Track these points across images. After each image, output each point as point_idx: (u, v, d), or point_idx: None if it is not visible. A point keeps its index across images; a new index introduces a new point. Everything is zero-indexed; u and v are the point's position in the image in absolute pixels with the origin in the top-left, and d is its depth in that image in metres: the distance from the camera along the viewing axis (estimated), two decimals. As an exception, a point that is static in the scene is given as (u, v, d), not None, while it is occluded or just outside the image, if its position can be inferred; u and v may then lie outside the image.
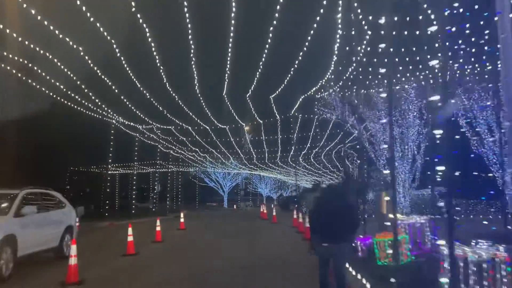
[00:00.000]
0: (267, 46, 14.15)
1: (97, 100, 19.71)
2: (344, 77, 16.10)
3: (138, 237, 14.93)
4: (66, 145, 38.89)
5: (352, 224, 6.52)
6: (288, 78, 18.62)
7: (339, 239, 6.25)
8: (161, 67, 15.56)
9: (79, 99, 19.29)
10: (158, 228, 14.19)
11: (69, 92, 18.25)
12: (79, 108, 20.93)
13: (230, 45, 13.80)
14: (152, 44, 13.60)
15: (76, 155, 43.26)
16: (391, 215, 10.31)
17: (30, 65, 14.87)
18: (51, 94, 18.20)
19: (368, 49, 12.87)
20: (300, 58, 14.87)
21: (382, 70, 13.40)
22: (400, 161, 19.83)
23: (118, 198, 46.53)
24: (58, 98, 18.83)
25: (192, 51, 13.99)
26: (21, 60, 14.48)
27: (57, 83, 16.87)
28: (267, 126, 25.89)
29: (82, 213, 36.36)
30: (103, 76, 16.46)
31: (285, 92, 20.62)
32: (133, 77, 16.28)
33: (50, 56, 14.34)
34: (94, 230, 20.48)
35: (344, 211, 6.40)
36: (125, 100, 19.75)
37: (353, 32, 12.44)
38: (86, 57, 14.34)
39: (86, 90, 17.99)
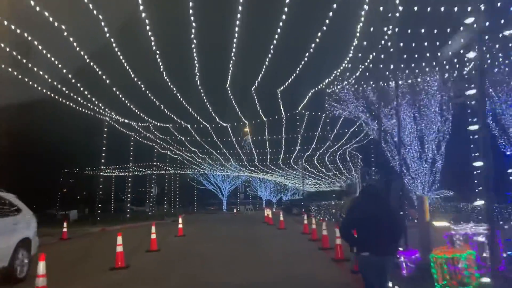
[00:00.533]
0: (276, 35, 12.57)
1: (90, 95, 18.01)
2: (364, 64, 14.40)
3: (131, 245, 13.20)
4: (62, 146, 37.32)
5: (397, 232, 5.02)
6: (297, 70, 17.02)
7: (385, 251, 4.80)
8: (159, 57, 13.92)
9: (71, 94, 17.56)
10: (153, 236, 12.40)
11: (59, 86, 16.55)
12: (72, 104, 19.20)
13: (236, 32, 12.19)
14: (148, 28, 11.95)
15: (72, 157, 41.63)
16: (439, 223, 8.60)
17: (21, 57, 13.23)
18: (44, 90, 16.53)
19: (396, 30, 11.19)
20: (314, 45, 13.25)
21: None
22: (418, 161, 18.16)
23: (114, 201, 44.76)
24: (50, 93, 17.12)
25: (193, 37, 12.33)
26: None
27: (47, 76, 15.19)
28: (272, 124, 24.17)
29: (75, 217, 34.65)
30: (95, 67, 14.78)
31: (293, 86, 18.95)
32: (127, 67, 14.57)
33: (44, 51, 12.81)
34: (84, 236, 18.69)
35: (388, 216, 4.87)
36: (120, 95, 18.07)
37: (381, 8, 10.78)
38: (78, 48, 12.78)
39: (78, 84, 16.35)
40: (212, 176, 56.57)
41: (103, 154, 22.06)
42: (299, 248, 12.51)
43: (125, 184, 53.72)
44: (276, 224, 20.21)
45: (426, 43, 12.79)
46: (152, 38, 12.37)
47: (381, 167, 21.08)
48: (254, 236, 15.97)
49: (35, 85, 16.15)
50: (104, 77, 15.61)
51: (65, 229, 17.06)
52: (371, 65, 15.39)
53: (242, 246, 12.90)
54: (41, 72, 14.79)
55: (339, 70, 16.63)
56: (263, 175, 54.10)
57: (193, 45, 12.72)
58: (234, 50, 13.41)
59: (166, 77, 16.29)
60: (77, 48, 12.85)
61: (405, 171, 18.20)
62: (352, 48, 13.18)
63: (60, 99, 18.41)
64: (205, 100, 19.05)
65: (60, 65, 14.35)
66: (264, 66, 15.52)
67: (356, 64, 15.21)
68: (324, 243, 12.01)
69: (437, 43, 12.79)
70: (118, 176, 46.11)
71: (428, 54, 14.46)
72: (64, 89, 16.99)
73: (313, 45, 13.15)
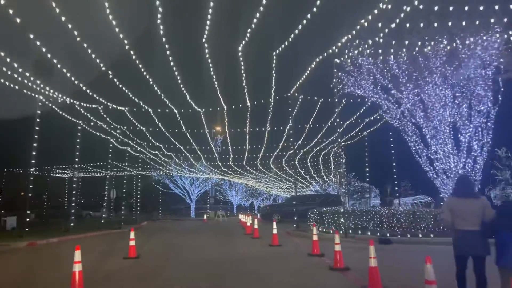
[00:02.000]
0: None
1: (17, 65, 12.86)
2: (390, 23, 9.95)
3: (44, 277, 8.15)
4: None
5: None
6: (298, 30, 12.56)
7: None
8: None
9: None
10: (76, 268, 6.91)
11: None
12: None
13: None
14: None
15: (16, 153, 35.42)
16: None
17: None
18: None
19: None
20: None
21: None
22: (452, 154, 13.84)
23: (67, 207, 38.76)
24: None
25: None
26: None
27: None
28: (256, 110, 19.42)
29: (14, 225, 28.45)
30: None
31: (290, 53, 14.38)
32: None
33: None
34: (-2, 255, 13.24)
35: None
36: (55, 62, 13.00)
37: None
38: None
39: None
40: (179, 178, 51.15)
41: (35, 145, 16.59)
42: None
43: (72, 186, 47.81)
44: (264, 238, 15.46)
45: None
46: None
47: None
48: (243, 259, 11.12)
49: None
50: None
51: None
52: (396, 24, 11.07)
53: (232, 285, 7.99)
54: None
55: (354, 32, 12.16)
56: (237, 178, 49.23)
57: None
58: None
59: (119, 34, 11.46)
60: None
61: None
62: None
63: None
64: (174, 69, 14.15)
65: None
66: (254, 23, 11.05)
67: (377, 23, 10.87)
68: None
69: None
70: (71, 177, 40.13)
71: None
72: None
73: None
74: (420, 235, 13.33)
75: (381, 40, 12.25)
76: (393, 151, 23.24)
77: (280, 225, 23.26)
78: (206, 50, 13.20)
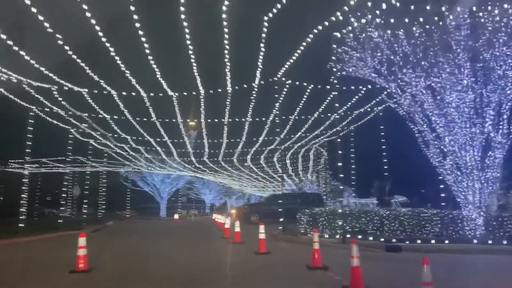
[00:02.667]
0: None
1: None
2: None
3: None
4: None
5: None
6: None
7: None
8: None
9: None
10: None
11: None
12: None
13: None
14: None
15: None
16: None
17: None
18: None
19: None
20: None
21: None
22: (467, 146, 11.90)
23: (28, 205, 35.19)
24: None
25: None
26: None
27: None
28: (237, 96, 17.06)
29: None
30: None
31: (281, 27, 12.23)
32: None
33: None
34: None
35: None
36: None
37: None
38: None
39: None
40: (149, 175, 48.15)
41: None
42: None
43: (38, 183, 44.14)
44: (247, 243, 13.12)
45: None
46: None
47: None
48: (224, 274, 8.72)
49: None
50: None
51: None
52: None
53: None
54: None
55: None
56: (211, 175, 46.68)
57: None
58: None
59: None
60: None
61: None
62: None
63: None
64: (141, 39, 11.68)
65: None
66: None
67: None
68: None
69: None
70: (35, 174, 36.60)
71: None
72: None
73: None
74: (433, 241, 11.34)
75: (392, 8, 10.16)
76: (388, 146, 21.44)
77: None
78: (183, 16, 10.80)
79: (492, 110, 11.19)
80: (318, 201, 28.43)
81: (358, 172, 23.90)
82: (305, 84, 16.53)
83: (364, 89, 15.45)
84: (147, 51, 12.65)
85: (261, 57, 13.89)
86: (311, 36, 11.98)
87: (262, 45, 12.80)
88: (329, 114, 21.08)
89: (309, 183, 53.52)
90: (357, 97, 16.30)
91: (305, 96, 17.33)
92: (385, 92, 13.54)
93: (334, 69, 12.33)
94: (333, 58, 12.24)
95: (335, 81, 12.43)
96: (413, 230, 13.25)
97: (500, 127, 11.12)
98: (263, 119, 20.64)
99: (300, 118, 20.81)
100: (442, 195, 14.73)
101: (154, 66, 13.70)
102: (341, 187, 52.32)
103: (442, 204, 16.42)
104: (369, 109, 20.97)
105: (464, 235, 12.08)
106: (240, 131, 22.44)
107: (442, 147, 11.94)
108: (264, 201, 31.50)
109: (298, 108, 19.16)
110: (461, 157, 11.70)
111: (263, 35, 12.59)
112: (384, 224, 13.39)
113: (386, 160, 21.96)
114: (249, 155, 31.47)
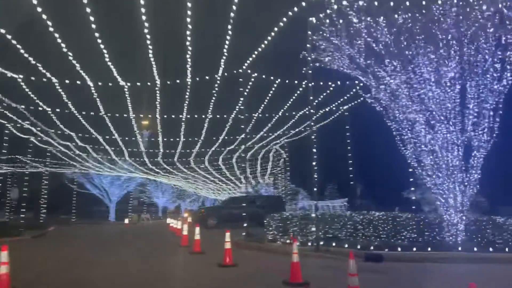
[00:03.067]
0: None
1: None
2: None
3: None
4: None
5: None
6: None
7: None
8: None
9: None
10: None
11: None
12: None
13: None
14: None
15: None
16: None
17: None
18: None
19: None
20: None
21: None
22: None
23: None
24: None
25: None
26: None
27: None
28: (198, 89, 15.50)
29: None
30: None
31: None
32: None
33: None
34: None
35: None
36: None
37: None
38: None
39: None
40: (97, 177, 45.19)
41: None
42: None
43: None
44: (208, 253, 11.60)
45: None
46: None
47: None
48: None
49: None
50: None
51: None
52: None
53: None
54: None
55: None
56: (165, 177, 44.47)
57: None
58: None
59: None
60: None
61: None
62: None
63: None
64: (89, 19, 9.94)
65: None
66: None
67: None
68: None
69: None
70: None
71: None
72: None
73: None
74: (414, 248, 10.35)
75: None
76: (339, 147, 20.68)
77: (220, 232, 19.50)
78: None
79: (476, 107, 10.39)
80: (279, 204, 27.28)
81: (321, 173, 23.06)
82: (272, 78, 15.30)
83: (334, 85, 14.42)
84: (96, 32, 10.90)
85: (227, 43, 12.48)
86: (284, 20, 10.72)
87: (229, 31, 11.42)
88: (293, 113, 20.00)
89: (265, 185, 52.52)
90: (327, 92, 15.24)
91: (271, 92, 16.08)
92: (360, 85, 12.51)
93: (309, 58, 11.08)
94: (308, 46, 11.02)
95: (309, 72, 11.16)
96: (388, 236, 12.29)
97: (486, 125, 10.35)
98: (225, 116, 19.18)
99: (264, 116, 19.55)
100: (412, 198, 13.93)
101: (103, 49, 11.91)
102: (299, 189, 51.78)
103: (413, 207, 15.70)
104: (336, 107, 20.10)
105: (443, 240, 11.24)
106: (199, 129, 20.83)
107: (423, 146, 11.03)
108: (222, 204, 29.93)
109: (262, 105, 17.88)
110: (443, 157, 10.83)
111: (231, 19, 11.23)
112: (357, 230, 12.33)
113: (351, 162, 21.20)
114: (207, 156, 29.87)
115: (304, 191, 68.66)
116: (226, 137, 22.96)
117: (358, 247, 10.85)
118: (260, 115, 19.29)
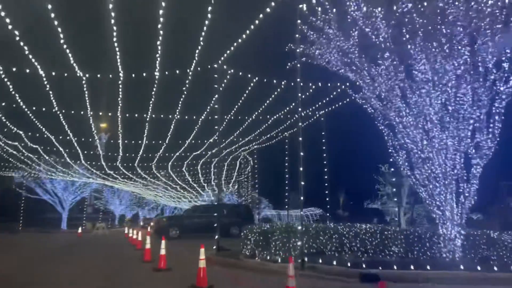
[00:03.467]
0: None
1: None
2: None
3: None
4: None
5: None
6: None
7: None
8: None
9: None
10: None
11: None
12: None
13: None
14: None
15: None
16: None
17: None
18: None
19: None
20: None
21: None
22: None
23: None
24: None
25: None
26: None
27: None
28: (167, 85, 13.95)
29: None
30: None
31: None
32: None
33: None
34: None
35: None
36: None
37: None
38: None
39: None
40: (49, 182, 42.01)
41: None
42: None
43: None
44: (176, 270, 10.04)
45: None
46: None
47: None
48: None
49: None
50: None
51: None
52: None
53: None
54: None
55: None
56: (123, 184, 41.99)
57: None
58: None
59: None
60: None
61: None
62: None
63: None
64: None
65: None
66: None
67: None
68: None
69: None
70: None
71: None
72: None
73: None
74: (412, 267, 9.24)
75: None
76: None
77: (184, 244, 17.85)
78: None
79: (480, 109, 9.50)
80: (247, 213, 25.89)
81: (288, 182, 21.96)
82: (249, 75, 13.99)
83: (319, 84, 13.31)
84: (51, 9, 9.21)
85: (203, 34, 11.08)
86: (272, 4, 9.46)
87: (208, 14, 10.03)
88: (268, 116, 18.78)
89: (229, 194, 50.94)
90: (311, 91, 14.10)
91: (247, 91, 14.76)
92: (346, 85, 11.43)
93: (298, 50, 9.83)
94: (297, 36, 9.78)
95: (298, 66, 9.90)
96: (376, 250, 11.18)
97: (490, 129, 9.46)
98: (194, 117, 17.67)
99: (237, 119, 18.20)
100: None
101: (60, 32, 10.19)
102: (261, 198, 50.48)
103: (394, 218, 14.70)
104: (313, 112, 19.06)
105: (439, 257, 10.26)
106: (164, 131, 19.19)
107: (419, 152, 10.03)
108: (185, 213, 28.11)
109: (236, 106, 16.53)
110: (440, 165, 9.86)
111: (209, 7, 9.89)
112: (343, 244, 11.14)
113: (326, 170, 20.18)
114: (171, 161, 28.10)
115: (266, 200, 67.65)
116: (193, 141, 21.41)
117: (349, 264, 9.64)
118: (232, 117, 17.91)
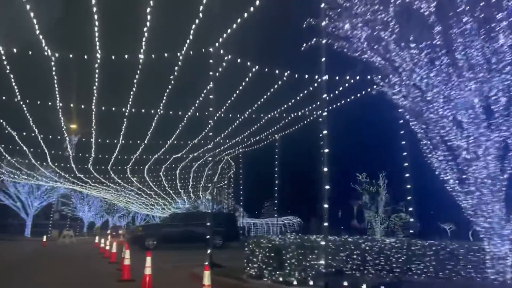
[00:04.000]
0: None
1: None
2: None
3: None
4: None
5: None
6: None
7: None
8: None
9: None
10: None
11: None
12: None
13: None
14: None
15: None
16: None
17: None
18: None
19: None
20: None
21: None
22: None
23: None
24: None
25: None
26: None
27: None
28: (152, 72, 11.90)
29: None
30: None
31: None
32: None
33: None
34: None
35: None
36: None
37: None
38: None
39: None
40: (12, 185, 38.86)
41: None
42: None
43: None
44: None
45: None
46: None
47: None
48: None
49: None
50: None
51: None
52: None
53: None
54: None
55: None
56: (93, 188, 39.19)
57: None
58: None
59: None
60: None
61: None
62: None
63: None
64: None
65: None
66: None
67: None
68: None
69: None
70: None
71: None
72: None
73: None
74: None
75: None
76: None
77: (164, 257, 15.64)
78: None
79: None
80: (230, 223, 23.83)
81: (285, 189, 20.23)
82: (248, 63, 12.11)
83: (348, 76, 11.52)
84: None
85: (200, 9, 9.18)
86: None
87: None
88: (262, 115, 16.95)
89: (206, 201, 48.75)
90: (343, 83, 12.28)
91: (245, 82, 12.87)
92: (377, 76, 9.72)
93: (322, 25, 8.01)
94: (322, 6, 7.97)
95: (321, 41, 8.06)
96: (402, 269, 9.43)
97: None
98: (180, 113, 15.62)
99: (227, 116, 16.27)
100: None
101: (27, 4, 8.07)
102: (237, 206, 48.37)
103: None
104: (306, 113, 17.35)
105: (472, 276, 8.61)
106: (144, 129, 17.04)
107: (465, 152, 8.35)
108: (163, 222, 25.82)
109: (229, 101, 14.62)
110: (487, 168, 8.21)
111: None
112: (366, 261, 9.34)
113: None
114: (147, 165, 25.84)
115: (240, 207, 65.52)
116: (175, 141, 19.31)
117: (382, 287, 7.83)
118: (222, 115, 15.97)
